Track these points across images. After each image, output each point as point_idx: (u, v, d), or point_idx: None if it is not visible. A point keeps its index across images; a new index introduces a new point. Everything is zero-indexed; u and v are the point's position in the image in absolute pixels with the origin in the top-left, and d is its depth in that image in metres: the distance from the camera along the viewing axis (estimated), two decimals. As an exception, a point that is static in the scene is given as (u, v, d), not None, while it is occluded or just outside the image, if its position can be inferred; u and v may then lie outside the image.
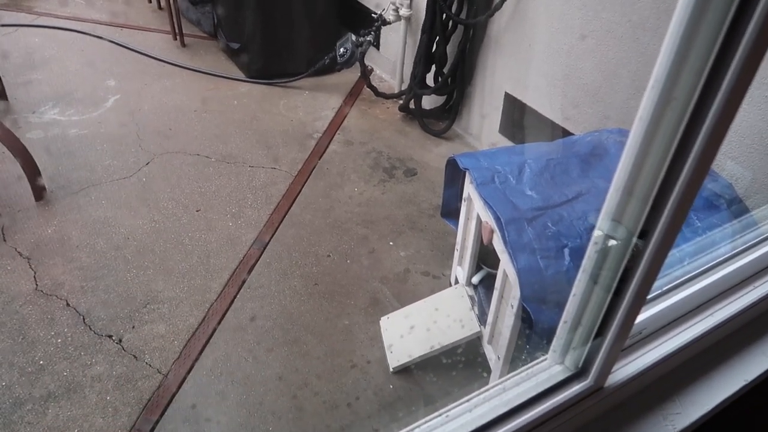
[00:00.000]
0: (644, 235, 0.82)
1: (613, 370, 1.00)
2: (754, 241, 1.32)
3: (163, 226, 2.74)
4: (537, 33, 2.73)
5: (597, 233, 0.87)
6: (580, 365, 1.00)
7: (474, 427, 0.89)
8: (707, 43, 0.64)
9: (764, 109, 1.89)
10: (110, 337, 2.20)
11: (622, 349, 1.00)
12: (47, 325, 2.23)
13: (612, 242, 0.85)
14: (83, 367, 2.08)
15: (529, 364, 1.03)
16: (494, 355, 1.96)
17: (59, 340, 2.18)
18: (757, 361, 1.20)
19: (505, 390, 0.96)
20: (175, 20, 4.32)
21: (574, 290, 0.92)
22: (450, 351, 2.11)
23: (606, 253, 0.87)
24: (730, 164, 2.06)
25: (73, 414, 1.94)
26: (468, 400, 0.93)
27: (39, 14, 4.71)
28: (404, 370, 2.12)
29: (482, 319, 2.11)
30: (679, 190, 0.75)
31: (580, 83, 2.56)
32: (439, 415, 0.89)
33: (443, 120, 3.56)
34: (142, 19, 4.80)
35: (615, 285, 0.88)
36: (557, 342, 1.01)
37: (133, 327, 2.24)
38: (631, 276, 0.86)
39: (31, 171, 2.81)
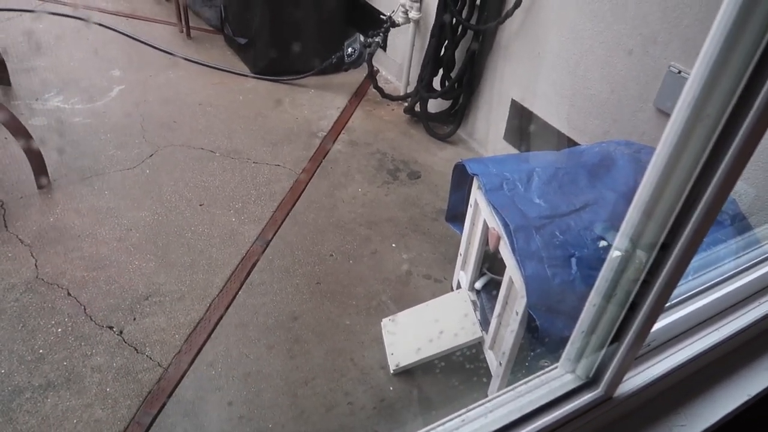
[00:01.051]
0: (664, 250, 0.83)
1: (622, 380, 1.02)
2: (759, 258, 1.34)
3: (166, 219, 2.74)
4: (547, 42, 2.75)
5: (615, 248, 0.88)
6: (591, 375, 1.01)
7: (488, 431, 0.90)
8: (743, 60, 0.65)
9: (771, 128, 1.92)
10: (111, 328, 2.20)
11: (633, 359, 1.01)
12: (48, 314, 2.22)
13: (630, 258, 0.86)
14: (83, 358, 2.08)
15: (542, 372, 1.04)
16: (496, 360, 1.97)
17: (59, 330, 2.17)
18: (761, 376, 1.22)
19: (520, 395, 0.97)
20: (181, 12, 4.32)
21: (592, 300, 0.93)
22: (451, 355, 2.12)
23: (624, 267, 0.88)
24: (735, 180, 2.08)
25: (72, 404, 1.93)
26: (484, 404, 0.94)
27: (44, 0, 4.69)
28: (404, 372, 2.13)
29: (484, 324, 2.12)
30: (703, 207, 0.76)
31: (588, 94, 2.58)
32: (456, 417, 0.90)
33: (448, 124, 3.57)
34: (148, 10, 4.79)
35: (631, 300, 0.90)
36: (570, 350, 1.03)
37: (134, 319, 2.24)
38: (648, 291, 0.87)
39: (34, 158, 2.79)
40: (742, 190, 2.08)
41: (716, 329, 1.21)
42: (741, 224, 1.91)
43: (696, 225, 0.79)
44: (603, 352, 0.99)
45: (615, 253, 0.88)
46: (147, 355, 2.11)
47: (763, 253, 1.38)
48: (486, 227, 2.00)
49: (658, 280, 0.86)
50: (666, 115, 2.25)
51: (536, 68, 2.87)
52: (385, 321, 2.28)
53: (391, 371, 2.12)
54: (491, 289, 2.23)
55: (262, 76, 4.02)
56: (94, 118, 3.40)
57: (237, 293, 2.39)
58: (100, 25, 4.34)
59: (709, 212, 0.77)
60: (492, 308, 2.05)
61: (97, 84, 3.73)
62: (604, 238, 1.79)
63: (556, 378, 1.03)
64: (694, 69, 0.68)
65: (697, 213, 0.78)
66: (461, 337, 2.10)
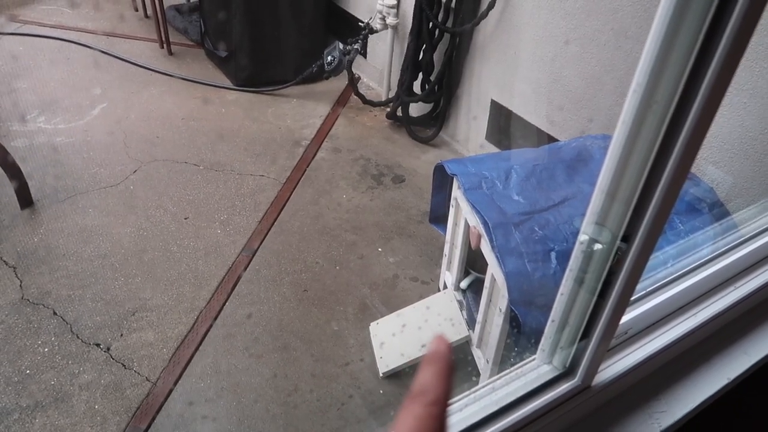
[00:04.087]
0: (627, 238, 0.84)
1: (600, 369, 1.02)
2: (735, 243, 1.35)
3: (151, 234, 2.73)
4: (522, 41, 2.78)
5: (582, 236, 0.89)
6: (567, 365, 1.02)
7: (464, 426, 0.91)
8: (686, 48, 0.66)
9: (743, 115, 1.94)
10: (98, 345, 2.19)
11: (608, 349, 1.02)
12: (33, 334, 2.21)
13: (596, 245, 0.87)
14: (71, 376, 2.07)
15: (518, 364, 1.05)
16: (483, 358, 1.98)
17: (46, 349, 2.16)
18: (739, 360, 1.23)
19: (495, 389, 0.98)
20: (161, 28, 4.32)
21: (561, 290, 0.94)
22: (439, 355, 2.12)
23: (591, 255, 0.89)
24: (711, 169, 2.10)
25: (61, 423, 1.92)
26: (459, 400, 0.94)
27: (24, 22, 4.68)
28: (394, 375, 2.13)
29: (471, 323, 2.12)
30: (661, 193, 0.77)
31: (564, 90, 2.61)
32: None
33: (430, 127, 3.59)
34: (128, 28, 4.79)
35: (600, 287, 0.91)
36: (545, 342, 1.03)
37: (122, 335, 2.23)
38: (615, 278, 0.88)
39: (17, 179, 2.79)
40: (720, 178, 2.11)
41: (693, 314, 1.22)
42: (719, 211, 1.93)
43: (656, 209, 0.80)
44: (578, 341, 0.99)
45: (582, 241, 0.90)
46: (135, 371, 2.10)
47: (738, 238, 1.39)
48: (467, 226, 2.01)
49: (624, 267, 0.87)
50: (641, 107, 2.27)
51: (513, 68, 2.90)
52: (372, 325, 2.28)
53: (381, 375, 2.12)
54: (476, 287, 2.24)
55: (243, 88, 4.04)
56: (76, 137, 3.40)
57: (224, 305, 2.39)
58: (81, 44, 4.35)
59: (668, 195, 0.78)
60: (477, 306, 2.06)
61: (78, 103, 3.73)
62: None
63: (532, 370, 1.04)
64: (641, 58, 0.70)
65: (656, 197, 0.79)
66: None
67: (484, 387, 0.99)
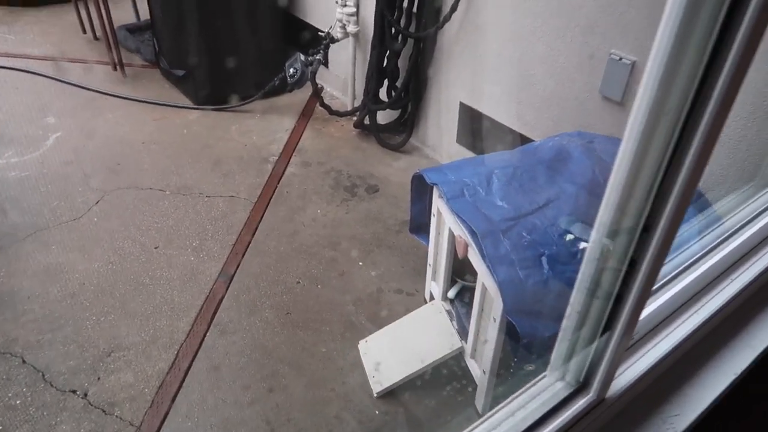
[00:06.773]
0: (647, 228, 0.81)
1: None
2: (725, 235, 1.35)
3: (121, 267, 2.61)
4: (487, 42, 2.76)
5: (592, 249, 0.86)
6: (581, 379, 0.99)
7: (487, 457, 0.86)
8: (696, 55, 0.63)
9: (714, 104, 1.96)
10: (74, 392, 2.07)
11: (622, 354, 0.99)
12: (3, 387, 2.07)
13: (608, 257, 0.84)
14: (48, 428, 1.94)
15: (531, 383, 1.01)
16: (479, 369, 1.94)
17: (18, 402, 2.03)
18: (744, 353, 1.22)
19: (511, 413, 0.94)
20: (113, 50, 4.17)
21: (570, 307, 0.91)
22: (433, 368, 2.08)
23: (603, 266, 0.86)
24: (686, 158, 2.11)
25: (41, 480, 1.80)
26: (476, 427, 0.90)
27: (-35, 53, 4.47)
28: (389, 393, 2.08)
29: (462, 333, 2.08)
30: (673, 203, 0.75)
31: (533, 89, 2.60)
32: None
33: (400, 134, 3.55)
34: (78, 52, 4.61)
35: (615, 294, 0.88)
36: (556, 357, 1.00)
37: (99, 378, 2.12)
38: (632, 282, 0.85)
39: (-29, 221, 2.64)
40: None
41: (695, 312, 1.21)
42: (701, 201, 1.94)
43: (675, 205, 0.78)
44: (591, 353, 0.96)
45: (591, 252, 0.86)
46: (116, 416, 1.99)
47: (726, 230, 1.39)
48: (452, 235, 1.97)
49: (642, 268, 0.84)
50: (612, 102, 2.28)
51: (480, 69, 2.88)
52: (361, 343, 2.22)
53: (375, 394, 2.06)
54: (464, 296, 2.20)
55: (204, 106, 3.92)
56: (31, 170, 3.24)
57: (205, 336, 2.29)
58: (28, 71, 4.16)
59: (684, 195, 0.77)
60: (467, 316, 2.02)
61: (31, 134, 3.56)
62: (570, 232, 1.78)
63: (546, 388, 1.00)
64: (647, 68, 0.67)
65: (668, 207, 0.77)
66: (441, 349, 2.06)
67: (500, 410, 0.96)
